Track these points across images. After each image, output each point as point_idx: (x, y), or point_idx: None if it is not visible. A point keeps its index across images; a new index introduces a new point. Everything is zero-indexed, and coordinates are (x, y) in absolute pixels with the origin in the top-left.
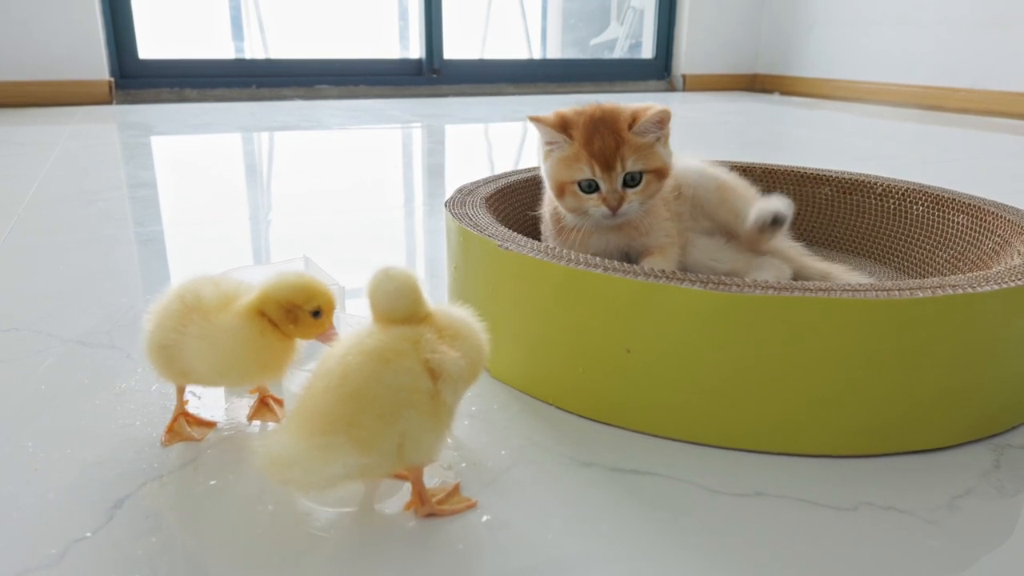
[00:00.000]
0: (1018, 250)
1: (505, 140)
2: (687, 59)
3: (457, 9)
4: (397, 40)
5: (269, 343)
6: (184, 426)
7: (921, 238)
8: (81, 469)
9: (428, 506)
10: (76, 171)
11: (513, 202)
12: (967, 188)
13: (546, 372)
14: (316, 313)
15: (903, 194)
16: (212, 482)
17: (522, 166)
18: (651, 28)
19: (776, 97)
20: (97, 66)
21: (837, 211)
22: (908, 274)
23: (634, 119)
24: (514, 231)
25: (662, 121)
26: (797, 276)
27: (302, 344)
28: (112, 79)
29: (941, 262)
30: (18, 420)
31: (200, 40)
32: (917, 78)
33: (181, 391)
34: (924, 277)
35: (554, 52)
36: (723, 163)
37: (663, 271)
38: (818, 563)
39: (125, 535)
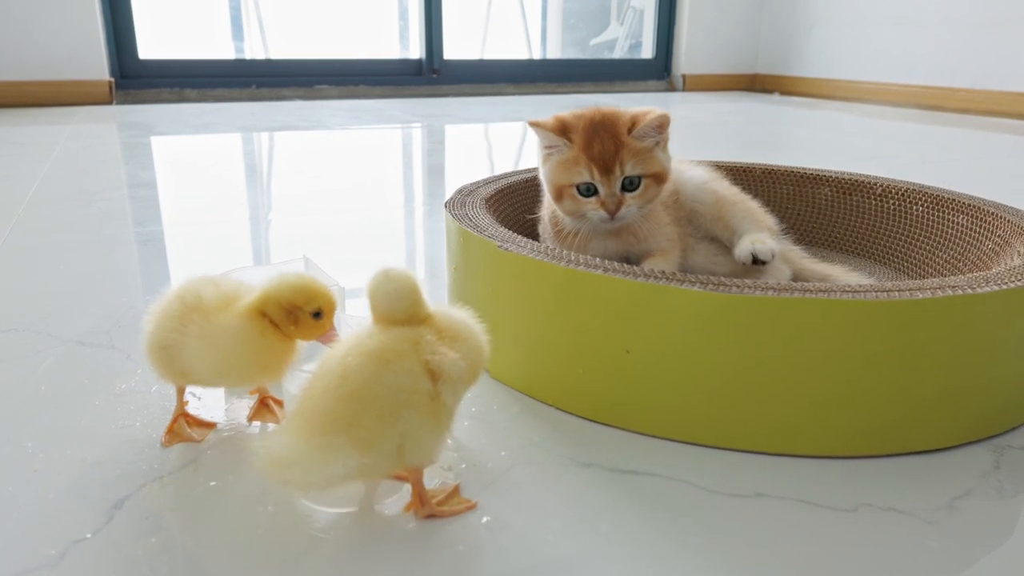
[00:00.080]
0: (1018, 251)
1: (505, 140)
2: (687, 59)
3: (457, 9)
4: (397, 40)
5: (270, 344)
6: (184, 427)
7: (921, 239)
8: (81, 470)
9: (428, 507)
10: (76, 171)
11: (513, 203)
12: (967, 188)
13: (546, 373)
14: (317, 314)
15: (903, 194)
16: (212, 483)
17: (522, 166)
18: (651, 28)
19: (776, 97)
20: (97, 66)
21: (837, 211)
22: (908, 275)
23: (634, 123)
24: (514, 232)
25: (661, 126)
26: (796, 278)
27: (302, 345)
28: (112, 79)
29: (941, 263)
30: (18, 420)
31: (200, 40)
32: (917, 78)
33: (181, 392)
34: (924, 278)
35: (554, 52)
36: (723, 164)
37: (663, 272)
38: (818, 564)
39: (125, 536)
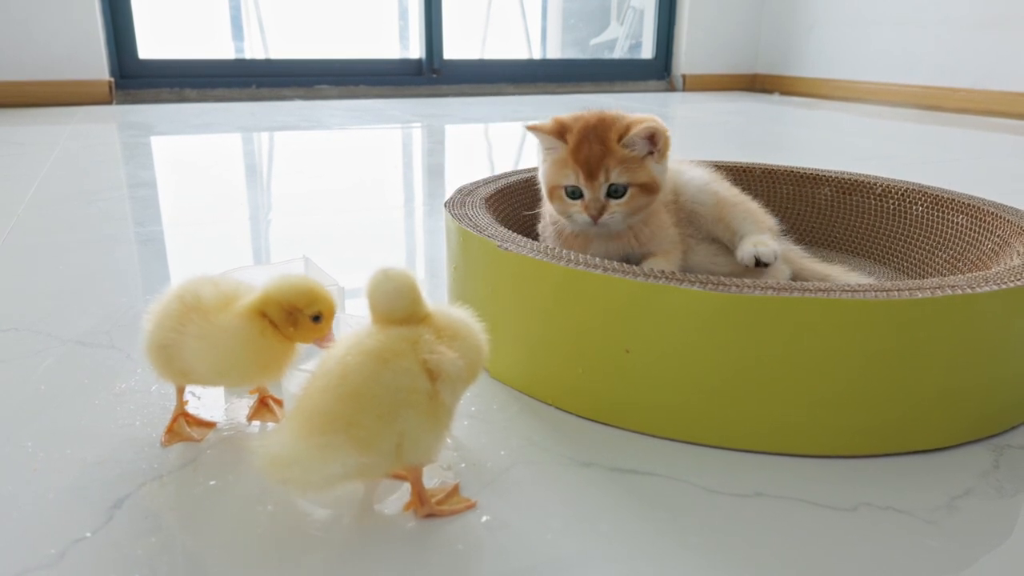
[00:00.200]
0: (1017, 251)
1: (505, 140)
2: (687, 59)
3: (457, 9)
4: (397, 40)
5: (269, 344)
6: (184, 426)
7: (921, 238)
8: (81, 469)
9: (427, 506)
10: (76, 171)
11: (513, 202)
12: (967, 188)
13: (545, 372)
14: (316, 318)
15: (903, 194)
16: (212, 482)
17: (522, 166)
18: (651, 28)
19: (776, 97)
20: (97, 66)
21: (837, 211)
22: (907, 274)
23: (625, 131)
24: (514, 231)
25: (652, 137)
26: (796, 278)
27: (301, 345)
28: (112, 79)
29: (940, 262)
30: (18, 420)
31: (200, 40)
32: (917, 78)
33: (181, 391)
34: (923, 278)
35: (554, 52)
36: (723, 164)
37: (662, 272)
38: (817, 563)
39: (125, 535)
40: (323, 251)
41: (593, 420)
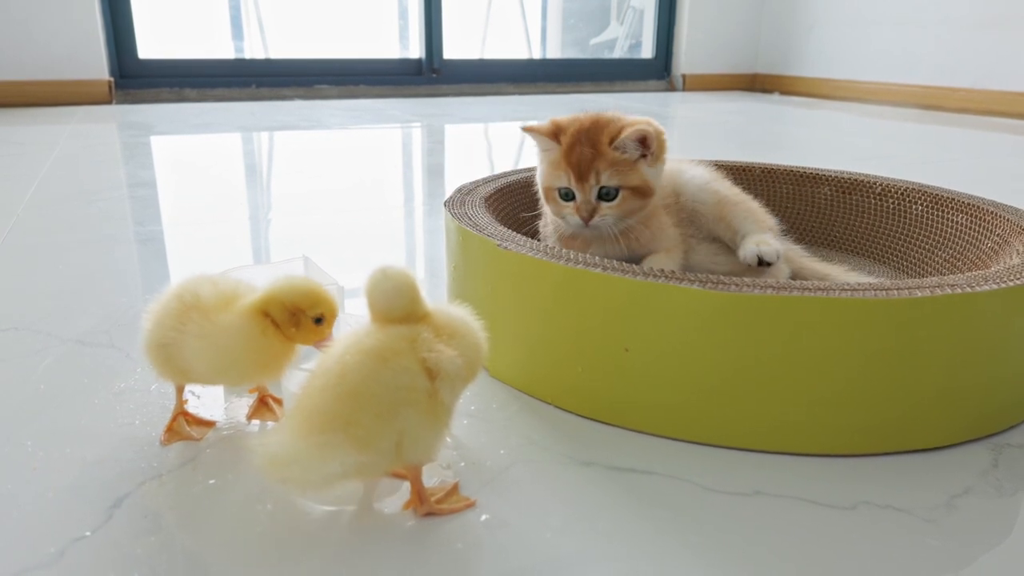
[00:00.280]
0: (1017, 249)
1: (505, 140)
2: (687, 59)
3: (457, 9)
4: (397, 40)
5: (270, 343)
6: (183, 425)
7: (920, 238)
8: (80, 468)
9: (427, 505)
10: (76, 171)
11: (512, 202)
12: (966, 188)
13: (545, 371)
14: (319, 320)
15: (902, 194)
16: (211, 481)
17: (522, 166)
18: (651, 28)
19: (776, 97)
20: (97, 66)
21: (836, 211)
22: (907, 273)
23: (617, 134)
24: (513, 231)
25: (643, 140)
26: (796, 277)
27: (302, 345)
28: (112, 79)
29: (940, 261)
30: (17, 419)
31: (200, 40)
32: (917, 78)
33: (180, 390)
34: (923, 276)
35: (554, 52)
36: (723, 163)
37: (662, 271)
38: (817, 562)
39: (124, 534)
40: (323, 251)
41: (592, 419)
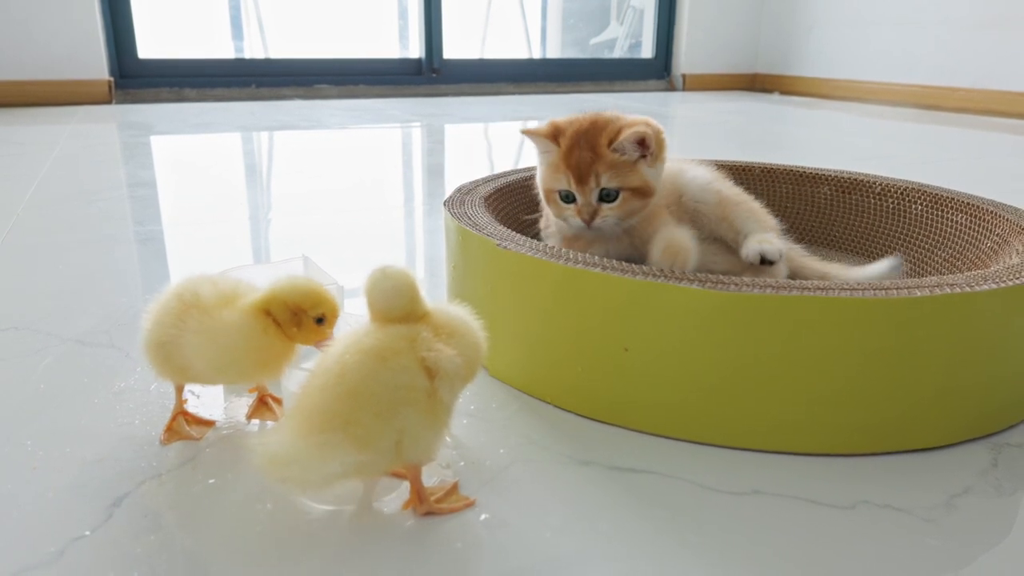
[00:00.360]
0: (1016, 249)
1: (504, 140)
2: (687, 59)
3: (457, 9)
4: (397, 40)
5: (271, 342)
6: (183, 425)
7: (920, 237)
8: (80, 468)
9: (426, 504)
10: (76, 171)
11: (512, 201)
12: (966, 188)
13: (544, 371)
14: (320, 320)
15: (902, 193)
16: (211, 480)
17: (521, 165)
18: (651, 28)
19: (776, 97)
20: (97, 66)
21: (836, 210)
22: (907, 273)
23: (615, 136)
24: (513, 230)
25: (642, 142)
26: (795, 277)
27: (302, 345)
28: (112, 79)
29: (940, 261)
30: (17, 419)
31: (199, 40)
32: (916, 78)
33: (180, 390)
34: (922, 276)
35: (554, 52)
36: (723, 163)
37: (661, 270)
38: (816, 561)
39: (124, 533)
40: (322, 251)
41: (592, 418)
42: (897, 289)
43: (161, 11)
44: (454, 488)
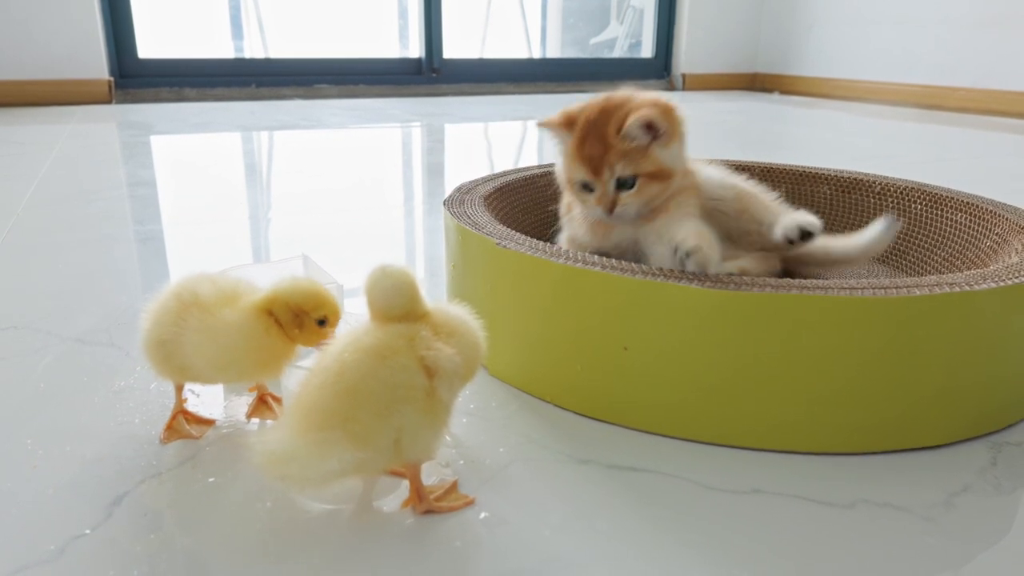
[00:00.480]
0: (1016, 248)
1: (504, 139)
2: (687, 58)
3: (457, 8)
4: (397, 39)
5: (272, 342)
6: (183, 424)
7: (919, 236)
8: (80, 466)
9: (426, 503)
10: (76, 170)
11: (512, 201)
12: (966, 187)
13: (544, 370)
14: (322, 322)
15: (901, 192)
16: (211, 479)
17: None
18: (651, 27)
19: (776, 96)
20: (97, 65)
21: (836, 210)
22: (906, 272)
23: (622, 123)
24: (513, 230)
25: (650, 126)
26: (800, 256)
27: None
28: (111, 78)
29: (939, 260)
30: (17, 418)
31: (199, 39)
32: (917, 77)
33: (180, 389)
34: (922, 275)
35: (554, 51)
36: (723, 162)
37: (660, 269)
38: (815, 560)
39: (124, 532)
40: (322, 250)
41: (591, 417)
42: (896, 288)
43: (161, 11)
44: (453, 487)
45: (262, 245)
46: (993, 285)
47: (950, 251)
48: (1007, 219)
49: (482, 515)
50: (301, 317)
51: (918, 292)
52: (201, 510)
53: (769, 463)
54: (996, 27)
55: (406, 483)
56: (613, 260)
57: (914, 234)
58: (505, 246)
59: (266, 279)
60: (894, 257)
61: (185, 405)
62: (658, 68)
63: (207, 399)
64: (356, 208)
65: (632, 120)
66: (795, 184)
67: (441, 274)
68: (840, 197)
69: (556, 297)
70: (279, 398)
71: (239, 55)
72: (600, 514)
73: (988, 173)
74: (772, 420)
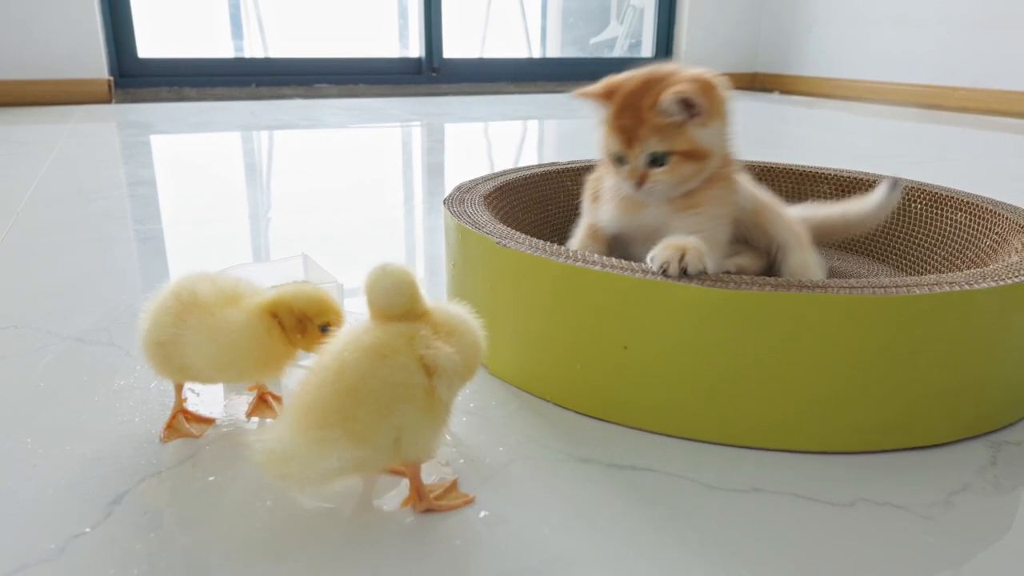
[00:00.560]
0: (1015, 247)
1: (504, 139)
2: (687, 58)
3: (457, 8)
4: (397, 39)
5: (273, 343)
6: (183, 422)
7: (919, 236)
8: (80, 465)
9: (426, 502)
10: (75, 170)
11: (512, 200)
12: (966, 187)
13: (544, 369)
14: (325, 328)
15: (901, 192)
16: (210, 478)
17: (521, 164)
18: (651, 27)
19: (776, 96)
20: (96, 65)
21: None
22: (906, 271)
23: (659, 97)
24: (512, 229)
25: (686, 101)
26: (816, 228)
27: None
28: (111, 78)
29: (939, 259)
30: (17, 417)
31: (199, 39)
32: (917, 77)
33: (179, 388)
34: (922, 274)
35: (554, 51)
36: None
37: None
38: (815, 559)
39: (123, 531)
40: (322, 249)
41: (591, 416)
42: (896, 288)
43: (161, 10)
44: (453, 485)
45: (262, 244)
46: (993, 284)
47: (950, 250)
48: (1007, 218)
49: (482, 514)
50: (304, 323)
51: (918, 291)
52: (201, 509)
53: (769, 462)
54: (996, 27)
55: (406, 482)
56: (613, 259)
57: (914, 233)
58: (505, 245)
59: (266, 279)
60: (894, 256)
61: (185, 404)
62: None
63: (207, 398)
64: (356, 208)
65: (668, 95)
66: (795, 184)
67: (441, 273)
68: (840, 196)
69: (556, 296)
70: (279, 397)
71: (239, 55)
72: (600, 513)
73: (988, 173)
74: (772, 419)
